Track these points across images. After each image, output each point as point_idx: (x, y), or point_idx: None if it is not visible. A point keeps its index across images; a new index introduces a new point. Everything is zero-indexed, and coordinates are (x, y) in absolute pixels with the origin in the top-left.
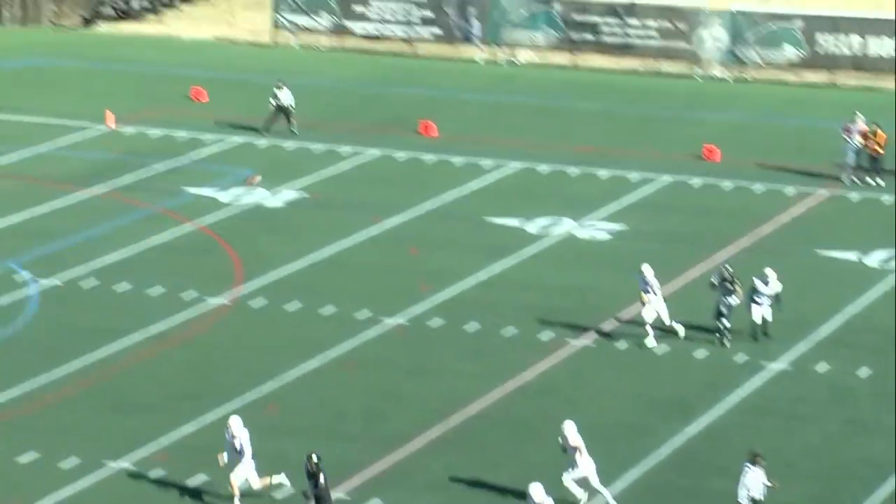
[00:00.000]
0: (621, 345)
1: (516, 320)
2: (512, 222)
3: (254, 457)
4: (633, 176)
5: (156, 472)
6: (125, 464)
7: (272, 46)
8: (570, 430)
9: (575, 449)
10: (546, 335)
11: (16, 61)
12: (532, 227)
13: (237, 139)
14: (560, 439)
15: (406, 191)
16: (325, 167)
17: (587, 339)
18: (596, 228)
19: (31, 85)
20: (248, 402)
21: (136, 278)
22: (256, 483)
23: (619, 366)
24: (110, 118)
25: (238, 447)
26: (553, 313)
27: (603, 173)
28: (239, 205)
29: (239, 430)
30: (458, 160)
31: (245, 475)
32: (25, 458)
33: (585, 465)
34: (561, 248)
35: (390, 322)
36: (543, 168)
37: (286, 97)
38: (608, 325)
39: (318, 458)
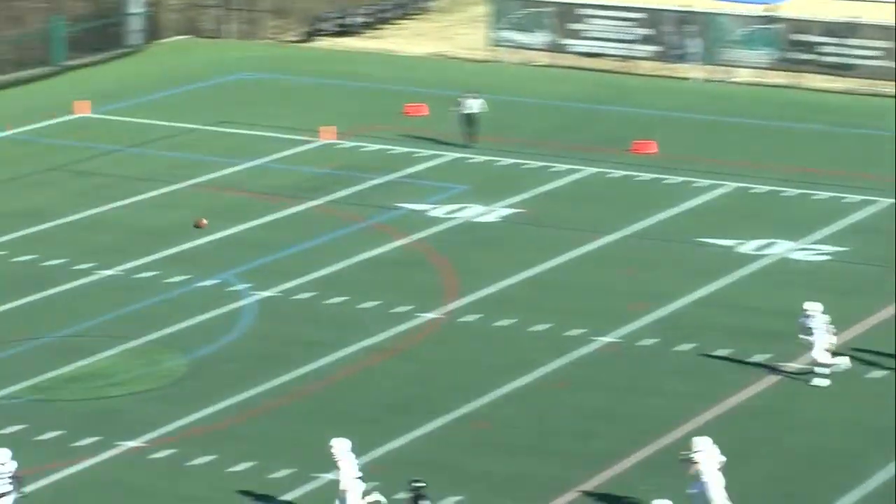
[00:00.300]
0: (835, 370)
1: (729, 342)
2: (727, 243)
3: (360, 478)
4: (852, 198)
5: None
6: (336, 476)
7: (488, 63)
8: (703, 444)
9: (696, 464)
10: (759, 358)
11: (236, 75)
12: (747, 248)
13: (452, 155)
14: (686, 453)
15: (620, 209)
16: (540, 184)
17: (800, 363)
18: (812, 251)
19: (251, 99)
20: (459, 416)
21: (349, 291)
22: None
23: (832, 391)
24: (327, 132)
25: (338, 472)
26: (766, 336)
27: (820, 195)
28: (452, 220)
29: (341, 454)
30: (673, 179)
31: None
32: (239, 467)
33: (713, 483)
34: (776, 269)
35: (603, 340)
36: (760, 189)
37: (477, 105)
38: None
39: (422, 483)
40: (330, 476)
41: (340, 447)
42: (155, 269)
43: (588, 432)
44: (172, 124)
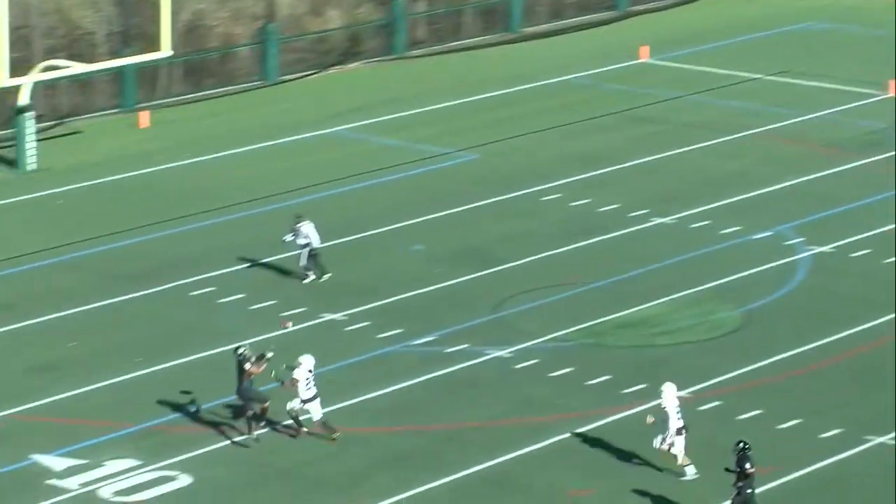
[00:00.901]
0: None
1: None
2: None
3: (680, 431)
4: None
5: None
6: (886, 439)
7: None
8: None
9: None
10: None
11: (800, 24)
12: None
13: None
14: None
15: None
16: None
17: None
18: None
19: (815, 49)
20: None
21: None
22: (677, 452)
23: None
24: (893, 86)
25: (665, 416)
26: None
27: None
28: None
29: (669, 401)
30: None
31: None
32: (787, 424)
33: None
34: None
35: None
36: None
37: None
38: None
39: (746, 445)
40: (883, 439)
41: (670, 392)
42: (709, 219)
43: None
44: (733, 73)
